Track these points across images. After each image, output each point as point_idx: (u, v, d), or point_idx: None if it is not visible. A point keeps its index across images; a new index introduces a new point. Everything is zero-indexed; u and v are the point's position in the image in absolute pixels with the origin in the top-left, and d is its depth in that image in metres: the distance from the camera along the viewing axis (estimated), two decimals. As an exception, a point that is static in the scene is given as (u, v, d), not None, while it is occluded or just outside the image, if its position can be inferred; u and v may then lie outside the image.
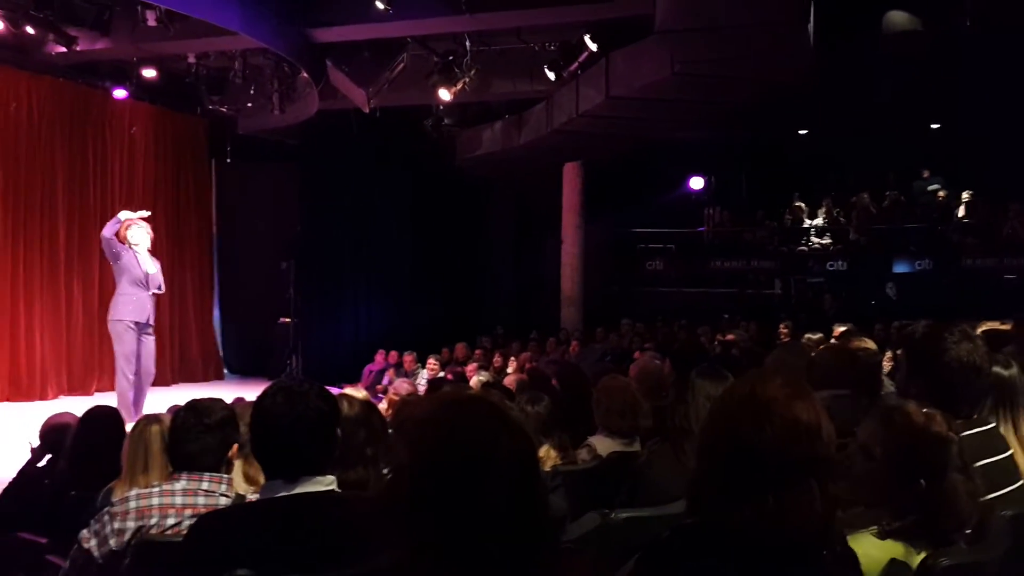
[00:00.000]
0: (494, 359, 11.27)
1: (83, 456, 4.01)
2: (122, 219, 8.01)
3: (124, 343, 7.96)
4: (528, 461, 1.42)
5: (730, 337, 10.32)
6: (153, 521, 2.73)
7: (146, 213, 8.37)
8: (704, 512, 1.62)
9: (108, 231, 7.96)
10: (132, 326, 7.96)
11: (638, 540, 1.91)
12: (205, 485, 2.78)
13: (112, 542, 2.74)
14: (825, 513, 1.56)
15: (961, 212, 15.39)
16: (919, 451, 2.02)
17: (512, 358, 11.13)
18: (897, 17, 9.56)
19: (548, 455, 3.45)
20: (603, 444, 4.02)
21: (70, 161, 11.56)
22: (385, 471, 2.90)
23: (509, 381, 6.60)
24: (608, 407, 4.09)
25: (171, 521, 2.73)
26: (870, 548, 1.92)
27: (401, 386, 6.49)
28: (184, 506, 2.76)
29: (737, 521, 1.53)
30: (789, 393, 1.59)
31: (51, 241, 11.28)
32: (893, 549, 1.96)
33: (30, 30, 9.46)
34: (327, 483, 2.24)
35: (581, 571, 1.52)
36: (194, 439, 2.80)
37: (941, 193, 15.76)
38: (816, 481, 1.54)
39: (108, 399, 9.26)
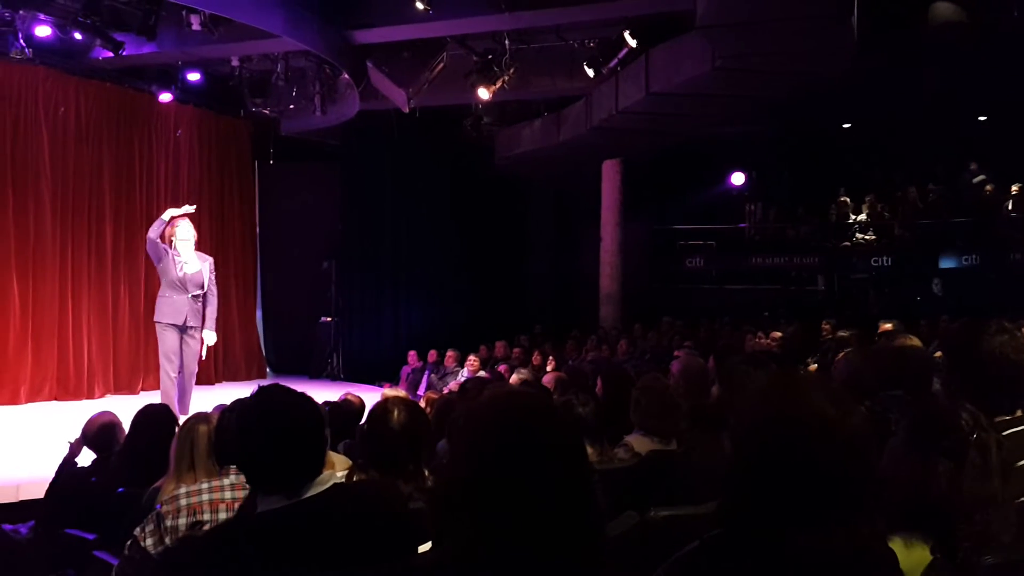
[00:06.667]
0: (533, 357, 11.27)
1: (136, 453, 4.08)
2: (166, 218, 8.04)
3: (164, 342, 8.08)
4: (579, 456, 1.42)
5: (774, 334, 10.23)
6: (206, 517, 2.77)
7: (191, 208, 8.31)
8: (741, 532, 1.50)
9: (154, 232, 7.96)
10: (171, 327, 8.09)
11: (678, 538, 1.90)
12: None
13: (168, 540, 2.78)
14: (876, 538, 1.48)
15: (1009, 206, 15.06)
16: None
17: (551, 356, 11.11)
18: (942, 8, 9.37)
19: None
20: (640, 443, 4.00)
21: (116, 164, 11.74)
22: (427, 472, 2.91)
23: (547, 380, 6.59)
24: (646, 408, 4.07)
25: (223, 516, 2.77)
26: (908, 550, 1.86)
27: (455, 387, 6.64)
28: (234, 500, 2.80)
29: (780, 544, 1.43)
30: (841, 407, 1.47)
31: (98, 243, 11.46)
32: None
33: (78, 36, 9.65)
34: (328, 477, 2.15)
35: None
36: None
37: (989, 187, 15.43)
38: (868, 504, 1.45)
39: (153, 398, 9.42)
